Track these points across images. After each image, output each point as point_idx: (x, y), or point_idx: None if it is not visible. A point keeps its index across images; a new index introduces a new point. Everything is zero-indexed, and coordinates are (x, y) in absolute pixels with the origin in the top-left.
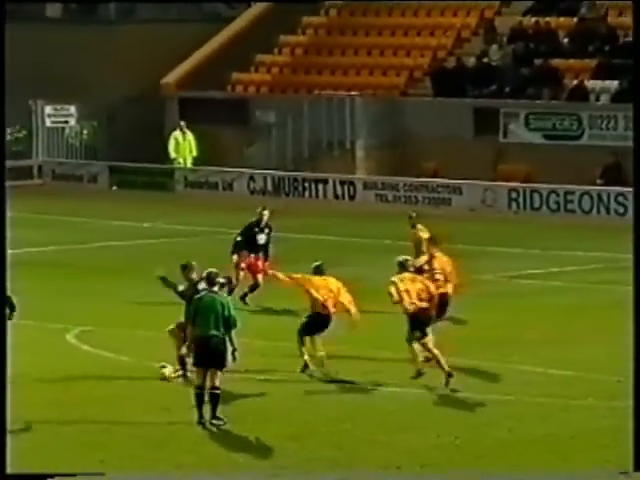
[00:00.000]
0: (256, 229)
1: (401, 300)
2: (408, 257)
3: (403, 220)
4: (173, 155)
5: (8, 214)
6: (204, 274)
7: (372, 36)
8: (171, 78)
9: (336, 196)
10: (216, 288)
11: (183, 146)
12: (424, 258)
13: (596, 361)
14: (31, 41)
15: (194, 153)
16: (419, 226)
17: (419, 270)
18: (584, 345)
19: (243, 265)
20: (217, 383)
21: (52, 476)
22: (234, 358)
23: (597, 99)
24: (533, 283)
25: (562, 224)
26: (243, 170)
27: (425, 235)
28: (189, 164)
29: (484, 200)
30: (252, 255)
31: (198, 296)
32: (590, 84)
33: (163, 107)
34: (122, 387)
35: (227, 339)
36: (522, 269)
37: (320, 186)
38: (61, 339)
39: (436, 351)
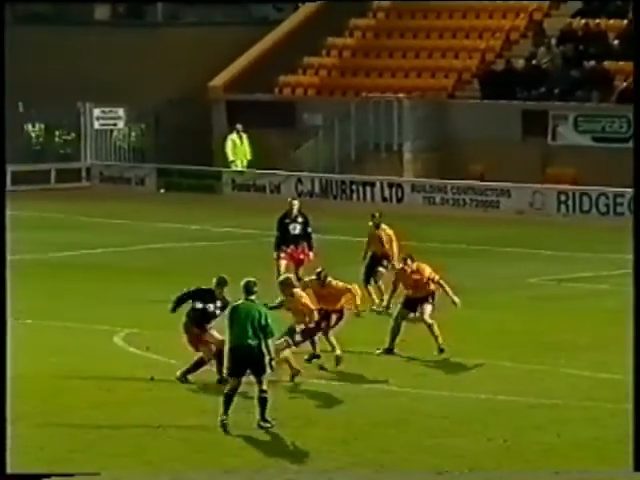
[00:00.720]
0: (287, 220)
1: (311, 312)
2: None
3: (450, 223)
4: (231, 157)
5: (57, 216)
6: (242, 283)
7: (420, 38)
8: (219, 81)
9: (384, 199)
10: (253, 297)
11: (240, 149)
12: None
13: None
14: (79, 44)
15: (249, 156)
16: (383, 226)
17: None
18: (632, 349)
19: (283, 255)
20: (264, 387)
21: (48, 476)
22: (271, 367)
23: None
24: (582, 286)
25: (611, 227)
26: (291, 173)
27: (391, 233)
28: (245, 167)
29: (533, 203)
30: (290, 247)
31: (234, 304)
32: None
33: (210, 110)
34: (169, 389)
35: (263, 347)
36: (571, 272)
37: (368, 188)
38: (108, 341)
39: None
